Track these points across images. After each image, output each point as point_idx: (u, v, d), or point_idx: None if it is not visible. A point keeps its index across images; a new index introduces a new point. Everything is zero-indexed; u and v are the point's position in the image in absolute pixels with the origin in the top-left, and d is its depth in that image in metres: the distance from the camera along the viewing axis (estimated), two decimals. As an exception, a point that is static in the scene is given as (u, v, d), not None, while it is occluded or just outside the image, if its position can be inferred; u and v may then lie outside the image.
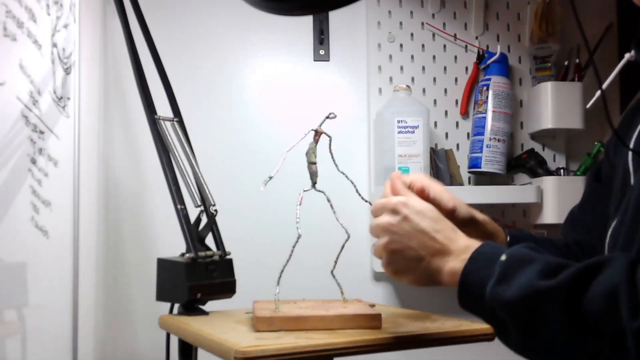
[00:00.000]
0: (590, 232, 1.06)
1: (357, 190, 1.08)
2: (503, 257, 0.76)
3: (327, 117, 1.05)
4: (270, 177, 1.01)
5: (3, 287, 1.14)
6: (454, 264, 0.80)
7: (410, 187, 0.94)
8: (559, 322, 0.69)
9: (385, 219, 0.84)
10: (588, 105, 1.08)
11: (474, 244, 0.81)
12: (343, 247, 1.08)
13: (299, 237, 1.05)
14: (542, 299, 0.70)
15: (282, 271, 1.07)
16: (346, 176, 1.08)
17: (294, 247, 1.06)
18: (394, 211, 0.84)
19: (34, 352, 1.24)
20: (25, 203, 1.21)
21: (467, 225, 0.97)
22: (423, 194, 0.92)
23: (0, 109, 1.12)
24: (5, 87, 1.12)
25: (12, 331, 1.20)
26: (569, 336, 0.69)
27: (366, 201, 1.08)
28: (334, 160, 1.08)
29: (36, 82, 1.25)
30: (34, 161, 1.24)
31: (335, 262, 1.11)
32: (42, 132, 1.28)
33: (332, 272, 1.12)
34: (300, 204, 1.06)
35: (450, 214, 0.94)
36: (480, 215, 1.00)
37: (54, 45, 1.35)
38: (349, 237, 1.07)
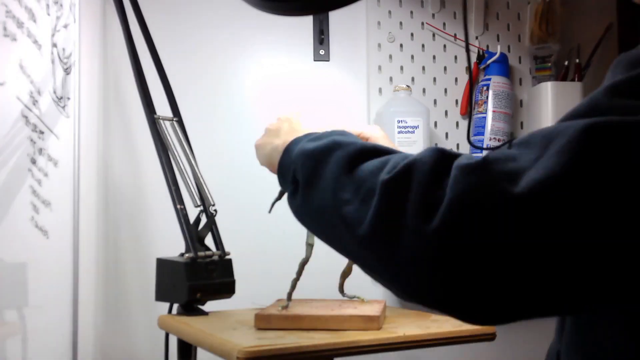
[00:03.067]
0: None
1: None
2: (332, 129, 0.79)
3: None
4: (278, 199, 1.02)
5: (3, 287, 1.14)
6: (290, 137, 0.84)
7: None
8: (332, 173, 0.67)
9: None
10: None
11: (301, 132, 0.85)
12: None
13: (307, 259, 1.06)
14: (333, 148, 0.69)
15: (294, 287, 1.07)
16: None
17: (303, 265, 1.06)
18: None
19: (34, 352, 1.24)
20: (25, 203, 1.21)
21: None
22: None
23: (0, 109, 1.12)
24: (5, 87, 1.12)
25: (12, 331, 1.19)
26: (330, 186, 0.66)
27: None
28: None
29: (36, 82, 1.25)
30: (33, 161, 1.24)
31: (341, 283, 1.11)
32: (42, 132, 1.28)
33: (340, 291, 1.12)
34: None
35: None
36: None
37: (54, 45, 1.35)
38: None
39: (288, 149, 0.79)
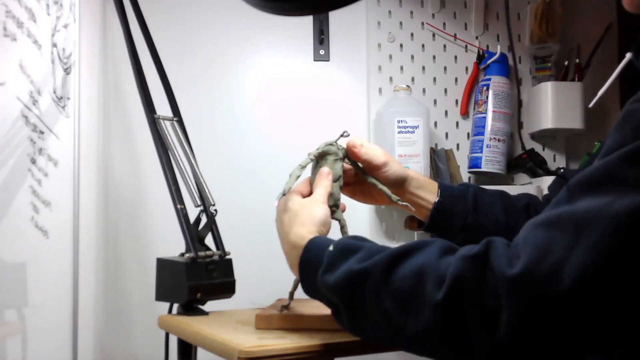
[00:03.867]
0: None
1: (388, 195, 1.07)
2: (331, 248, 0.84)
3: (342, 136, 1.06)
4: (284, 194, 1.02)
5: (3, 287, 1.14)
6: (294, 255, 0.90)
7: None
8: (373, 300, 0.75)
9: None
10: (590, 105, 1.08)
11: (306, 237, 0.90)
12: None
13: None
14: (358, 280, 0.77)
15: (296, 287, 1.07)
16: (375, 184, 1.07)
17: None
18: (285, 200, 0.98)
19: (34, 352, 1.24)
20: (25, 203, 1.21)
21: (400, 182, 1.07)
22: (353, 153, 1.04)
23: (0, 109, 1.12)
24: (5, 87, 1.12)
25: (12, 331, 1.19)
26: (380, 313, 0.74)
27: (402, 204, 1.08)
28: (361, 170, 1.09)
29: (36, 82, 1.25)
30: (33, 161, 1.24)
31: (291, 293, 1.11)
32: (42, 132, 1.28)
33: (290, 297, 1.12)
34: None
35: (381, 170, 1.05)
36: (412, 173, 1.08)
37: (54, 45, 1.35)
38: None
39: (303, 271, 0.88)
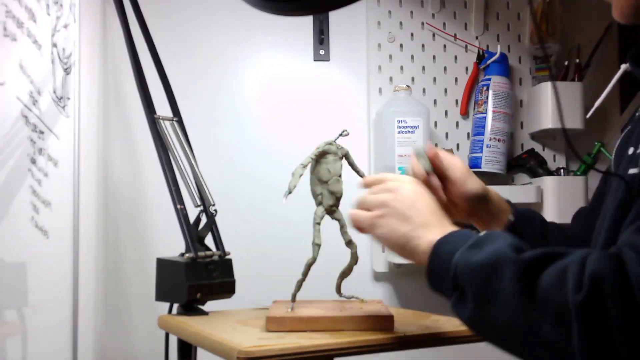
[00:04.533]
0: (590, 231, 1.06)
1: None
2: (482, 233, 0.80)
3: (341, 135, 1.06)
4: (290, 192, 1.01)
5: (3, 287, 1.14)
6: (433, 235, 0.83)
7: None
8: (511, 290, 0.71)
9: (399, 182, 0.90)
10: (588, 115, 1.08)
11: (457, 228, 0.85)
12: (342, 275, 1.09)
13: (314, 259, 1.05)
14: (504, 265, 0.73)
15: (299, 288, 1.07)
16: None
17: (310, 266, 1.05)
18: (390, 190, 0.89)
19: (34, 352, 1.24)
20: (25, 203, 1.21)
21: (478, 200, 1.02)
22: (435, 162, 0.99)
23: (0, 109, 1.12)
24: (5, 87, 1.12)
25: (12, 331, 1.19)
26: (517, 305, 0.71)
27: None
28: (358, 171, 1.09)
29: (36, 82, 1.25)
30: (33, 161, 1.24)
31: (339, 284, 1.11)
32: (42, 132, 1.28)
33: (337, 291, 1.12)
34: (318, 223, 1.06)
35: (457, 186, 1.00)
36: (492, 194, 1.04)
37: (54, 45, 1.35)
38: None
39: (437, 253, 0.81)
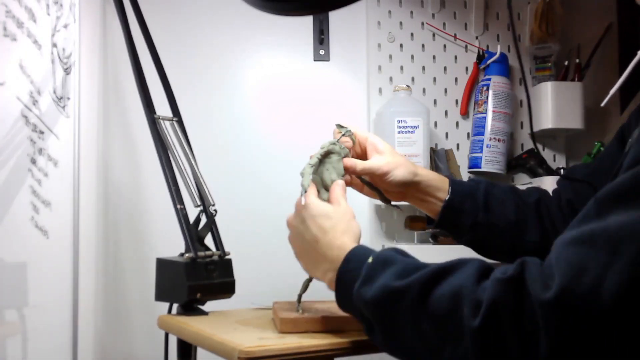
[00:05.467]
0: (578, 194, 1.06)
1: (381, 198, 1.08)
2: (370, 260, 0.82)
3: (343, 135, 1.06)
4: (305, 190, 1.01)
5: (3, 287, 1.14)
6: (330, 274, 0.88)
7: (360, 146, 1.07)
8: (409, 321, 0.74)
9: (290, 217, 0.97)
10: (603, 104, 1.06)
11: (340, 252, 0.87)
12: None
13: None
14: (394, 298, 0.75)
15: (305, 289, 1.06)
16: (371, 185, 1.08)
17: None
18: (297, 212, 0.95)
19: (34, 352, 1.24)
20: (25, 203, 1.21)
21: (408, 184, 1.05)
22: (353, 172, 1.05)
23: (1, 109, 1.12)
24: (5, 87, 1.12)
25: (13, 331, 1.19)
26: (417, 334, 0.73)
27: (395, 206, 1.09)
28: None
29: (36, 82, 1.25)
30: (33, 161, 1.24)
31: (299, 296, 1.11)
32: (42, 132, 1.28)
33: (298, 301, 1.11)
34: None
35: (384, 178, 1.04)
36: (422, 171, 1.07)
37: (54, 45, 1.35)
38: None
39: (339, 289, 0.86)
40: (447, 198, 1.06)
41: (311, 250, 0.91)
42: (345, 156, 1.07)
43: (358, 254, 0.85)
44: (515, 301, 0.65)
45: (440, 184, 1.07)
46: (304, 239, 0.93)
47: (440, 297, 0.71)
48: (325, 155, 1.06)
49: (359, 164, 1.05)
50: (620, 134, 1.06)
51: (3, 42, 1.11)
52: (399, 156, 1.07)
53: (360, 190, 1.13)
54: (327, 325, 0.97)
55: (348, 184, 1.09)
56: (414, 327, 0.73)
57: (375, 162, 1.05)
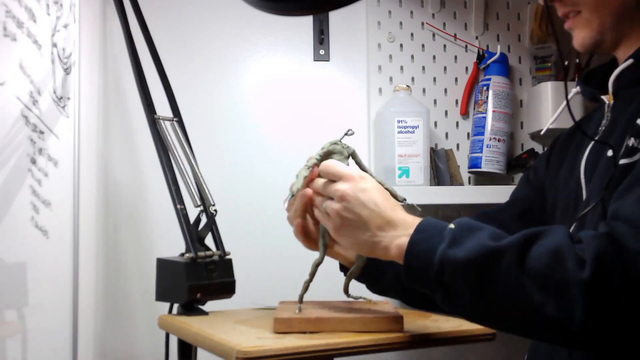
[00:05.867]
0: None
1: (394, 195, 1.08)
2: (452, 225, 0.82)
3: (346, 134, 1.06)
4: (293, 195, 1.00)
5: (3, 287, 1.14)
6: (401, 239, 0.85)
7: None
8: (508, 278, 0.74)
9: (344, 186, 0.89)
10: (542, 132, 1.16)
11: (418, 219, 0.87)
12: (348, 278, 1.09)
13: (322, 259, 1.05)
14: (494, 257, 0.76)
15: (306, 289, 1.06)
16: (382, 184, 1.08)
17: (317, 266, 1.05)
18: (352, 180, 0.90)
19: (34, 352, 1.24)
20: (25, 203, 1.21)
21: None
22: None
23: (0, 109, 1.12)
24: (5, 87, 1.12)
25: (12, 331, 1.19)
26: (517, 291, 0.74)
27: (408, 203, 1.08)
28: (365, 171, 1.09)
29: (36, 82, 1.25)
30: (33, 161, 1.24)
31: (347, 284, 1.10)
32: (42, 132, 1.28)
33: (345, 292, 1.11)
34: None
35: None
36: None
37: (54, 45, 1.35)
38: None
39: (413, 253, 0.83)
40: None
41: (375, 217, 0.87)
42: (350, 155, 1.06)
43: (430, 220, 0.85)
44: (616, 253, 0.70)
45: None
46: (365, 207, 0.87)
47: (540, 255, 0.73)
48: (327, 155, 1.05)
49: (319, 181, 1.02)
50: (532, 175, 1.17)
51: (3, 42, 1.11)
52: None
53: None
54: (320, 325, 0.97)
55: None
56: (514, 285, 0.74)
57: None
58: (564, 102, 1.00)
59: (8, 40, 1.13)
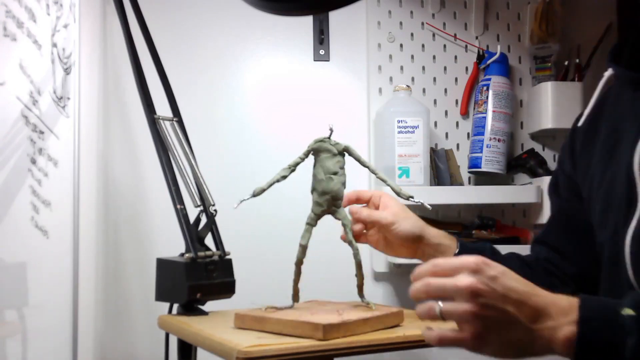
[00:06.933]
0: (558, 252, 1.11)
1: (396, 191, 1.09)
2: (629, 312, 0.70)
3: (330, 131, 1.06)
4: (254, 195, 1.03)
5: (3, 287, 1.14)
6: (565, 329, 0.71)
7: (367, 201, 1.10)
8: None
9: (469, 280, 0.72)
10: (580, 124, 1.11)
11: (571, 301, 0.74)
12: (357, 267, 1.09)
13: (298, 259, 1.07)
14: None
15: (293, 288, 1.07)
16: (386, 182, 1.08)
17: (297, 265, 1.06)
18: (477, 271, 0.72)
19: (34, 352, 1.24)
20: (25, 203, 1.21)
21: (415, 238, 1.07)
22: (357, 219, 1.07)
23: (1, 109, 1.12)
24: (5, 87, 1.12)
25: (13, 331, 1.19)
26: None
27: (416, 202, 1.09)
28: (364, 164, 1.09)
29: (36, 82, 1.25)
30: (33, 161, 1.24)
31: (360, 287, 1.11)
32: (42, 132, 1.28)
33: (359, 295, 1.11)
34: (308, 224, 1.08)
35: (390, 228, 1.05)
36: (432, 231, 1.08)
37: (54, 45, 1.35)
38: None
39: (589, 347, 0.71)
40: (455, 253, 1.07)
41: (523, 308, 0.72)
42: (344, 152, 1.06)
43: (595, 308, 0.72)
44: None
45: (449, 241, 1.09)
46: (507, 299, 0.72)
47: None
48: (316, 154, 1.05)
49: (365, 211, 1.08)
50: (555, 185, 1.14)
51: (3, 42, 1.11)
52: (408, 211, 1.09)
53: (375, 246, 1.14)
54: (270, 326, 0.98)
55: (359, 236, 1.10)
56: None
57: (382, 212, 1.08)
58: (597, 89, 0.96)
59: (8, 40, 1.13)
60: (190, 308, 1.21)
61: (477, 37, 1.88)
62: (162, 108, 1.37)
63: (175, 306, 1.23)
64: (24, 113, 1.20)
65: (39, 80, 1.27)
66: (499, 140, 1.77)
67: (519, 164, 1.85)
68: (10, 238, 1.15)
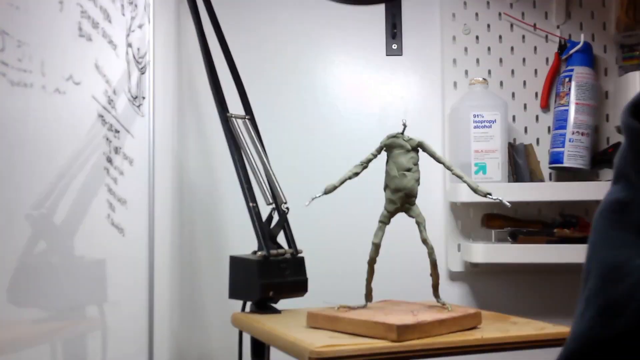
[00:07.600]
0: None
1: (474, 188, 1.05)
2: None
3: (404, 125, 1.04)
4: (325, 193, 1.01)
5: (84, 284, 1.17)
6: None
7: None
8: None
9: None
10: None
11: None
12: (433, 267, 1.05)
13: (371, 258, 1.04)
14: None
15: (366, 287, 1.05)
16: (462, 178, 1.05)
17: (370, 264, 1.04)
18: None
19: (112, 348, 1.26)
20: (102, 201, 1.23)
21: None
22: None
23: (78, 109, 1.15)
24: (81, 86, 1.15)
25: (94, 326, 1.22)
26: None
27: (493, 199, 1.04)
28: (439, 160, 1.06)
29: (112, 82, 1.28)
30: (110, 160, 1.26)
31: (435, 287, 1.08)
32: (117, 131, 1.30)
33: (435, 296, 1.09)
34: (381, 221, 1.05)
35: None
36: None
37: (129, 45, 1.38)
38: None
39: None
40: None
41: None
42: (418, 148, 1.03)
43: None
44: None
45: None
46: None
47: None
48: (389, 150, 1.03)
49: None
50: None
51: (78, 42, 1.13)
52: None
53: None
54: (342, 326, 0.95)
55: None
56: None
57: None
58: None
59: (83, 40, 1.15)
60: (263, 306, 1.20)
61: (558, 27, 1.80)
62: (235, 106, 1.38)
63: (249, 304, 1.23)
64: (100, 112, 1.23)
65: (115, 80, 1.29)
66: (582, 134, 1.69)
67: (604, 158, 1.76)
68: (89, 236, 1.17)
